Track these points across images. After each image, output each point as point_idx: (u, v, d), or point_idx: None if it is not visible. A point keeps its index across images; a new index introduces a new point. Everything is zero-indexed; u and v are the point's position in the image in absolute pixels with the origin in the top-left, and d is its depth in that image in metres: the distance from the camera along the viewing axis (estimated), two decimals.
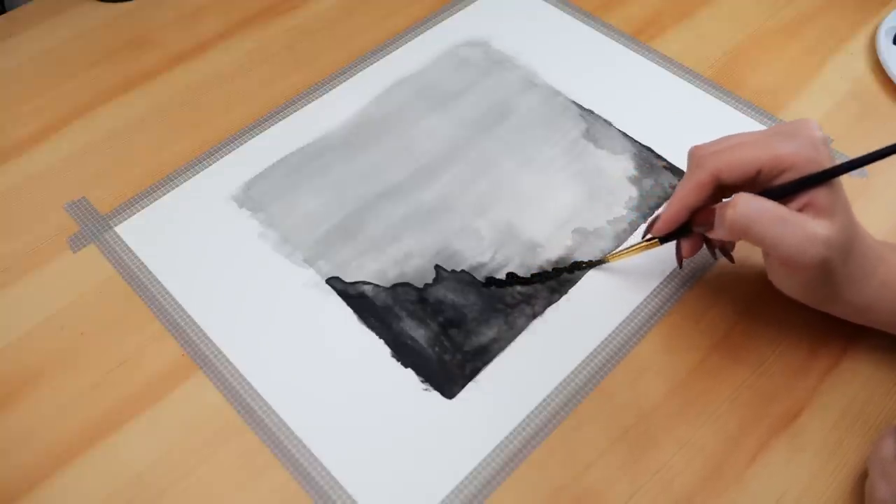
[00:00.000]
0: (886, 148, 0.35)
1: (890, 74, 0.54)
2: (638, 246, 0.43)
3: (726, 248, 0.43)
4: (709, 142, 0.39)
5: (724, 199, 0.39)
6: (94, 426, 0.40)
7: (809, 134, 0.36)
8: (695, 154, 0.39)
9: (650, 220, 0.42)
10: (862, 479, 0.38)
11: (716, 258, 0.45)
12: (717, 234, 0.38)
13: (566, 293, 0.44)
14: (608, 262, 0.45)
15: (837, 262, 0.36)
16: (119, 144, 0.51)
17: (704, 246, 0.42)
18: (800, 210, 0.36)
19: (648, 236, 0.42)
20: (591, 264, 0.45)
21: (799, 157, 0.36)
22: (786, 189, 0.36)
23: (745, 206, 0.35)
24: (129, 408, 0.40)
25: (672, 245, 0.44)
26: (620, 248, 0.45)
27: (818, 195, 0.36)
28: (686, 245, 0.41)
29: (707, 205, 0.39)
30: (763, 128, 0.51)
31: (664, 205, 0.40)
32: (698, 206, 0.39)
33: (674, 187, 0.48)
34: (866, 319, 0.40)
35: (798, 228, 0.35)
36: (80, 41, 0.58)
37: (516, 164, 0.50)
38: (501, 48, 0.57)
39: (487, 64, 0.56)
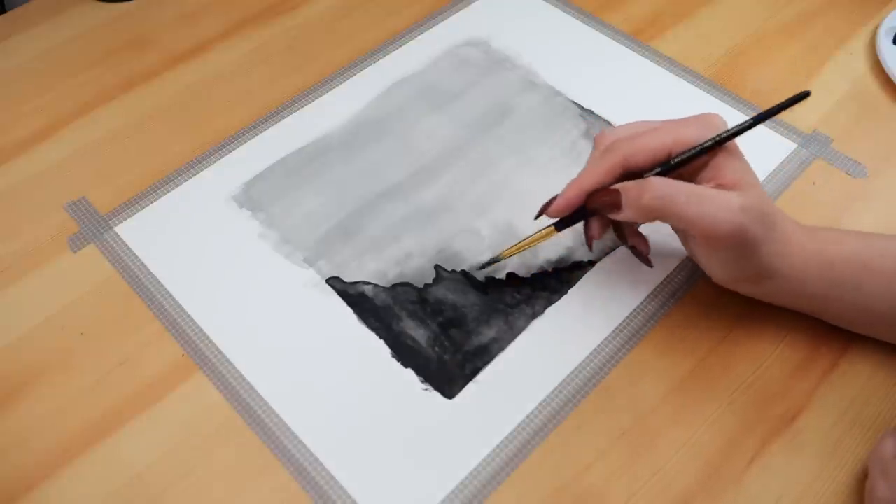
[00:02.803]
0: (774, 108, 0.39)
1: (890, 74, 0.54)
2: (534, 237, 0.42)
3: (641, 252, 0.42)
4: (616, 128, 0.40)
5: (622, 183, 0.39)
6: (94, 426, 0.40)
7: (711, 119, 0.38)
8: (603, 139, 0.40)
9: (544, 203, 0.41)
10: (861, 479, 0.38)
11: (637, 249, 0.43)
12: (624, 215, 0.38)
13: (566, 293, 0.44)
14: (503, 258, 0.43)
15: (758, 231, 0.37)
16: (119, 144, 0.51)
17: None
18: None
19: (548, 223, 0.41)
20: (487, 264, 0.44)
21: (702, 138, 0.38)
22: (685, 160, 0.38)
23: (661, 188, 0.37)
24: (129, 408, 0.40)
25: (672, 247, 0.44)
26: (516, 243, 0.43)
27: (724, 172, 0.37)
28: (595, 226, 0.41)
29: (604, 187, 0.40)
30: (762, 129, 0.51)
31: (564, 186, 0.40)
32: (600, 188, 0.39)
33: None
34: (799, 299, 0.41)
35: (713, 199, 0.36)
36: (80, 41, 0.58)
37: (516, 164, 0.50)
38: (501, 48, 0.57)
39: (487, 64, 0.56)
